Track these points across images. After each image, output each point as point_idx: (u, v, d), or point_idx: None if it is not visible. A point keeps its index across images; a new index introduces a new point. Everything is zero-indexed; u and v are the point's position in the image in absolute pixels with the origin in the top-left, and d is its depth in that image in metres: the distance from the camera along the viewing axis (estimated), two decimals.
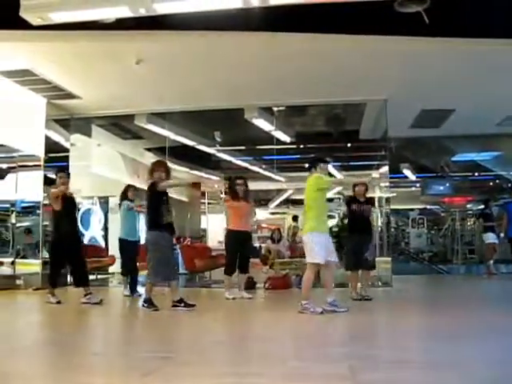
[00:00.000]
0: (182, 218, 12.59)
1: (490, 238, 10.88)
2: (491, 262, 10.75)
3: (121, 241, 7.63)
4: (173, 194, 7.25)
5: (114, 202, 10.67)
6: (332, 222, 10.41)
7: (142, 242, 7.08)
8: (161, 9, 5.14)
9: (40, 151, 8.91)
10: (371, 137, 10.77)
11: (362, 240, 6.91)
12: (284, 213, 16.52)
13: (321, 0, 5.27)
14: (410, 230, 16.44)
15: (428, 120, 10.06)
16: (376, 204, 9.89)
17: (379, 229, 10.58)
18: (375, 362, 3.28)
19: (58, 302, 6.50)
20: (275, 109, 10.19)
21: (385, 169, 9.97)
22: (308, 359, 3.44)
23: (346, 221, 7.45)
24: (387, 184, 10.06)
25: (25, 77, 7.70)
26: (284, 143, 11.17)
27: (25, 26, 5.26)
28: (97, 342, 4.54)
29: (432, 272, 13.07)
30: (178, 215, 6.64)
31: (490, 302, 6.95)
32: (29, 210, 10.17)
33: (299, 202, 11.65)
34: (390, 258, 9.43)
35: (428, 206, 17.03)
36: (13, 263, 9.08)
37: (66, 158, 9.89)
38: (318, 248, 5.51)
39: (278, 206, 16.03)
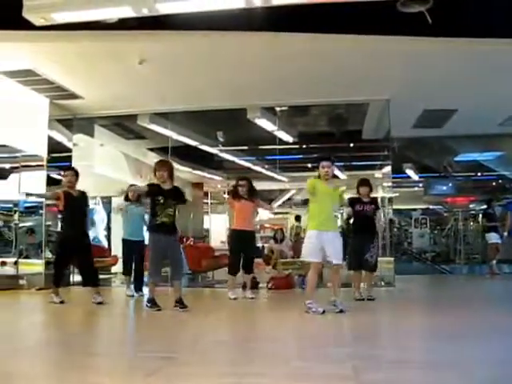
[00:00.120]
0: (185, 218, 12.59)
1: (493, 238, 10.87)
2: (494, 262, 10.75)
3: (124, 241, 7.61)
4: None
5: (116, 202, 10.67)
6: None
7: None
8: (163, 9, 5.13)
9: (43, 151, 8.88)
10: (374, 137, 10.74)
11: (363, 240, 6.92)
12: (287, 213, 16.54)
13: (324, 0, 5.27)
14: (412, 230, 16.47)
15: (430, 120, 10.03)
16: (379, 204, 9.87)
17: (382, 228, 10.57)
18: (378, 362, 3.28)
19: (62, 302, 6.48)
20: (278, 109, 10.16)
21: (387, 169, 9.97)
22: (311, 359, 3.44)
23: (350, 221, 7.46)
24: (390, 184, 10.06)
25: (27, 77, 7.69)
26: (287, 143, 11.16)
27: (27, 26, 5.26)
28: (100, 341, 4.54)
29: (435, 272, 13.08)
30: (180, 215, 6.58)
31: (493, 302, 6.93)
32: (32, 210, 10.20)
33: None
34: (392, 258, 9.41)
35: (431, 206, 17.03)
36: (16, 263, 9.09)
37: (69, 158, 9.86)
38: (311, 246, 5.54)
39: (281, 205, 16.06)
